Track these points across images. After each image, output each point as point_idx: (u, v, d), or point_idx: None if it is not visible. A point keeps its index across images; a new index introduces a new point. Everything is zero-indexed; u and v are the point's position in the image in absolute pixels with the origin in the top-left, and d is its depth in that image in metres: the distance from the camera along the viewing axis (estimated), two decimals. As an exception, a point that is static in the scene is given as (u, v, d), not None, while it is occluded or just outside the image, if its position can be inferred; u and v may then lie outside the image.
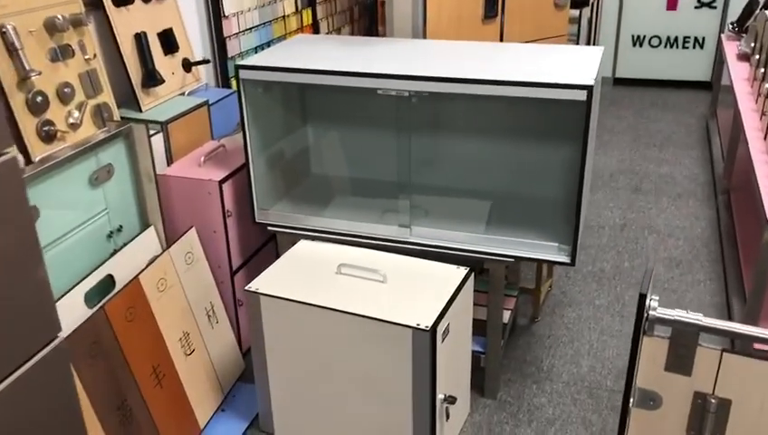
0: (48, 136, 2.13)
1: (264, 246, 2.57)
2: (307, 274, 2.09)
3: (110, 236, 2.05)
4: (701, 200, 3.65)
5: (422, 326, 1.82)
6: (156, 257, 2.09)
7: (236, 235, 2.39)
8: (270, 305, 2.00)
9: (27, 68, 2.04)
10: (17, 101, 1.99)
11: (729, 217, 3.30)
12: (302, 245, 2.26)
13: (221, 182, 2.27)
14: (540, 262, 2.26)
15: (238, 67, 2.12)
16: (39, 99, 2.09)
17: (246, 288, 2.03)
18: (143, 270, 2.02)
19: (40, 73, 2.07)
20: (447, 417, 2.00)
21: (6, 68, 1.95)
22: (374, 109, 2.34)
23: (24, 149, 2.07)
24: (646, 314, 1.26)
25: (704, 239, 3.28)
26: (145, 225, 2.18)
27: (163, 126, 2.42)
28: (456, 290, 1.99)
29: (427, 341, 1.83)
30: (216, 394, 2.28)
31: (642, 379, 1.32)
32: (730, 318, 2.67)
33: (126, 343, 1.90)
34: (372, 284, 2.02)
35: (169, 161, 2.47)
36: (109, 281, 1.99)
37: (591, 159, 1.91)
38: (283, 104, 2.46)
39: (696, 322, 1.24)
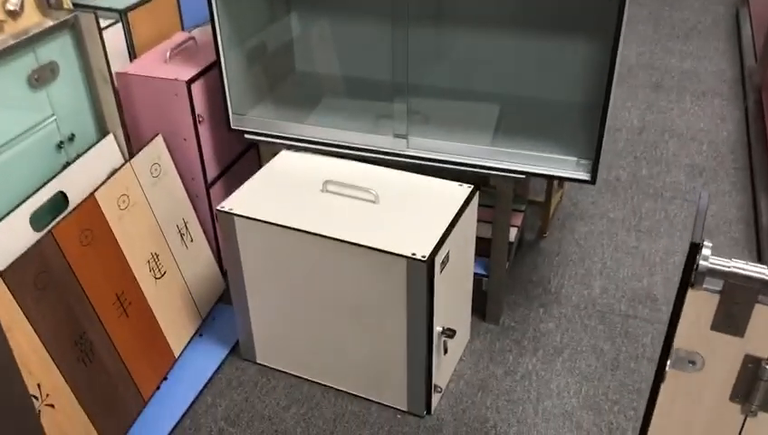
0: (-20, 27, 1.80)
1: (245, 155, 2.29)
2: (288, 191, 1.83)
3: (60, 146, 1.77)
4: (728, 100, 3.34)
5: (418, 256, 1.59)
6: (116, 171, 1.83)
7: (211, 143, 2.11)
8: (246, 227, 1.76)
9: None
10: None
11: (760, 118, 3.00)
12: (284, 156, 1.99)
13: (189, 82, 1.97)
14: (554, 179, 1.99)
15: (202, -57, 1.77)
16: (-35, -19, 1.75)
17: (219, 208, 1.78)
18: (100, 186, 1.76)
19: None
20: (446, 351, 1.80)
21: None
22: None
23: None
24: (696, 265, 1.02)
25: (730, 144, 3.00)
26: (103, 133, 1.90)
27: (122, 14, 2.09)
28: (459, 212, 1.74)
29: (423, 272, 1.60)
30: (192, 318, 2.08)
31: (683, 337, 1.09)
32: (758, 235, 2.44)
33: (81, 270, 1.67)
34: (362, 204, 1.77)
35: (132, 57, 2.15)
36: (61, 199, 1.73)
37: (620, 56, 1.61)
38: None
39: (760, 276, 1.00)
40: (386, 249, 1.61)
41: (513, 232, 2.21)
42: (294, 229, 1.69)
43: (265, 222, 1.72)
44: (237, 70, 2.02)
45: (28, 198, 1.63)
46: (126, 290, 1.82)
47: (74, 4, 2.10)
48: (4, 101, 1.61)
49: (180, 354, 2.02)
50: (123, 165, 1.84)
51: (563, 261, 2.39)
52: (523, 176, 1.82)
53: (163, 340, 1.95)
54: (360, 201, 1.77)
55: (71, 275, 1.65)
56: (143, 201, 1.90)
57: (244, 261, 1.82)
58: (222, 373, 2.01)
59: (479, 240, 2.04)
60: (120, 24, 2.08)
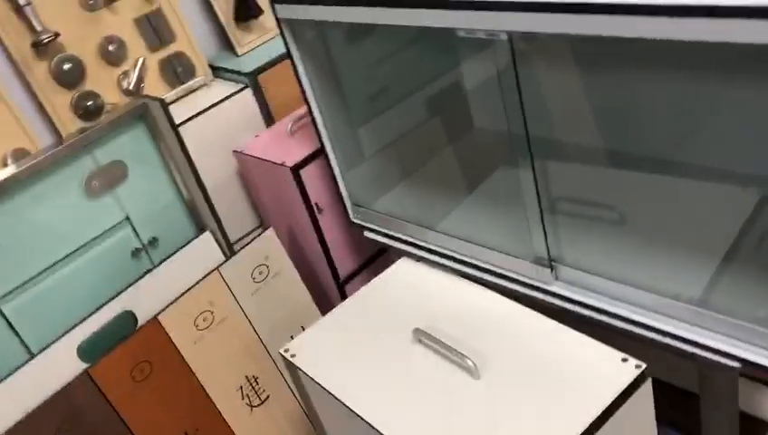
0: (88, 113, 1.66)
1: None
2: (378, 332, 1.32)
3: (136, 253, 1.53)
4: None
5: None
6: (198, 282, 1.53)
7: (340, 234, 1.69)
8: (310, 384, 1.31)
9: (39, 29, 1.57)
10: (37, 74, 1.56)
11: None
12: (400, 268, 1.47)
13: (297, 167, 1.57)
14: None
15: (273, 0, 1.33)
16: (66, 66, 1.62)
17: (282, 350, 1.35)
18: (169, 305, 1.47)
19: (55, 36, 1.59)
20: None
21: (14, 32, 1.53)
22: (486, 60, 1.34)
23: (57, 133, 1.65)
24: None
25: None
26: (200, 231, 1.61)
27: (251, 78, 1.77)
28: (606, 412, 1.04)
29: None
30: (311, 446, 1.70)
31: None
32: None
33: (131, 411, 1.41)
34: (457, 374, 1.17)
35: (270, 124, 1.84)
36: (129, 320, 1.49)
37: None
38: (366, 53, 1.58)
39: None
40: (447, 482, 1.01)
41: (775, 401, 1.35)
42: (352, 411, 1.18)
43: (324, 388, 1.24)
44: (353, 151, 1.55)
45: (78, 324, 1.42)
46: (202, 427, 1.52)
47: (212, 67, 1.86)
48: (55, 216, 1.41)
49: (291, 491, 1.67)
50: (206, 275, 1.53)
51: None
52: (738, 365, 1.02)
53: (259, 479, 1.61)
54: (456, 369, 1.18)
55: (113, 419, 1.40)
56: (237, 315, 1.57)
57: (320, 411, 1.38)
58: None
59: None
60: (249, 89, 1.78)
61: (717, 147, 1.28)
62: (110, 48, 1.67)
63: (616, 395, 1.05)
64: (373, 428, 1.13)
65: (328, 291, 1.75)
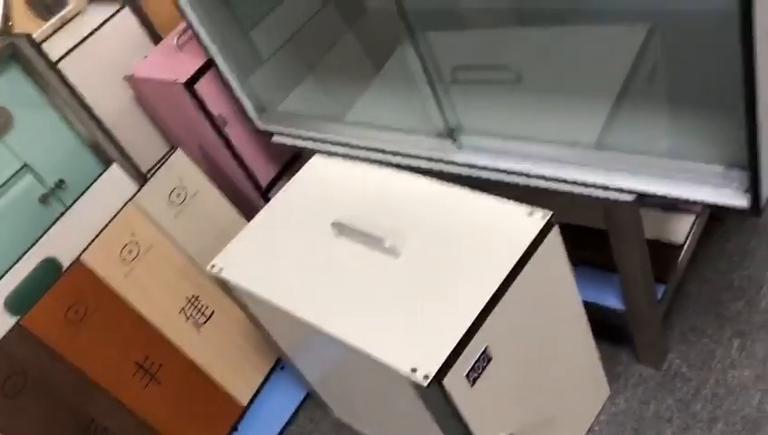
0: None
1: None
2: (300, 231, 1.33)
3: (44, 199, 1.49)
4: None
5: (418, 377, 1.01)
6: (115, 215, 1.50)
7: (252, 143, 1.67)
8: (242, 293, 1.33)
9: None
10: None
11: None
12: (313, 166, 1.46)
13: (189, 83, 1.52)
14: (681, 203, 1.11)
15: None
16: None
17: (208, 268, 1.36)
18: (90, 244, 1.45)
19: None
20: (525, 463, 1.22)
21: None
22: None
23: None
24: None
25: None
26: (106, 164, 1.57)
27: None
28: (518, 264, 1.08)
29: (436, 396, 1.02)
30: (267, 352, 1.75)
31: None
32: None
33: (75, 353, 1.42)
34: (378, 258, 1.20)
35: (157, 42, 1.76)
36: (54, 266, 1.47)
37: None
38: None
39: None
40: (380, 358, 1.06)
41: (685, 226, 1.43)
42: (289, 313, 1.21)
43: (256, 296, 1.26)
44: (249, 55, 1.51)
45: None
46: (151, 353, 1.54)
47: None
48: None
49: (256, 394, 1.72)
50: (121, 208, 1.51)
51: (790, 249, 1.51)
52: (635, 198, 1.06)
53: (219, 392, 1.66)
54: (377, 252, 1.21)
55: (59, 364, 1.41)
56: (163, 241, 1.56)
57: (260, 316, 1.41)
58: (296, 424, 1.68)
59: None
60: (127, 10, 1.69)
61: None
62: (-34, -12, 1.55)
63: (526, 246, 1.09)
64: (306, 322, 1.16)
65: (253, 202, 1.75)
